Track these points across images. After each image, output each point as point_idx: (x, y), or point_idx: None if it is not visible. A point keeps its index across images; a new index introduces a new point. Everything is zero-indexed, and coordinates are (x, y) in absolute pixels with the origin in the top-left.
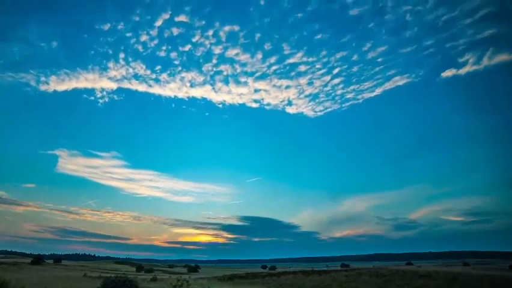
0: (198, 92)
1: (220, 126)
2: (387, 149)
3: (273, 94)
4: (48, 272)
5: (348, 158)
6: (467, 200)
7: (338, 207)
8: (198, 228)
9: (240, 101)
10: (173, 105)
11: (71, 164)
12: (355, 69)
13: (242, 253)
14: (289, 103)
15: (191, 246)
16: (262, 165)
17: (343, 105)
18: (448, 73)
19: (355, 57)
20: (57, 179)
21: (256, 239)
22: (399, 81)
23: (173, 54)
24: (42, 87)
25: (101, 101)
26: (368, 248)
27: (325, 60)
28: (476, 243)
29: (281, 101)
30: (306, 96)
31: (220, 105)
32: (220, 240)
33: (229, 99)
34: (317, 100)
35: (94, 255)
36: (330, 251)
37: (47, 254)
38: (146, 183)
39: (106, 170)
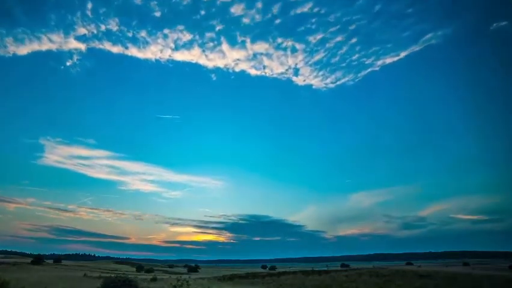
0: (184, 56)
1: (215, 109)
2: (400, 137)
3: (277, 60)
4: (49, 272)
5: (356, 148)
6: (480, 197)
7: (344, 204)
8: (196, 226)
9: (237, 69)
10: (155, 76)
11: (57, 155)
12: (377, 24)
13: (243, 253)
14: (296, 72)
15: (190, 246)
16: (264, 158)
17: (358, 74)
18: (499, 24)
19: (378, 7)
20: (46, 173)
21: (257, 238)
22: (432, 39)
23: (152, 4)
24: (0, 51)
25: (73, 70)
26: (375, 247)
27: (339, 14)
28: (488, 243)
29: (286, 69)
30: (316, 62)
31: (213, 75)
32: (220, 239)
33: (223, 65)
34: (328, 68)
35: (94, 255)
36: (335, 250)
37: (46, 254)
38: (140, 177)
39: (96, 161)
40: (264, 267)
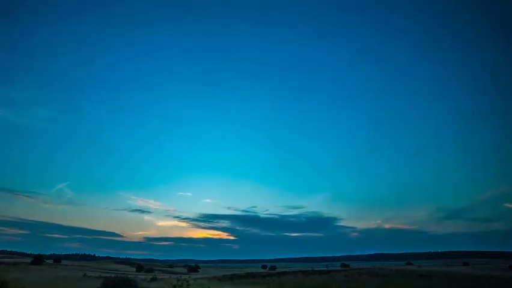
0: None
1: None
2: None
3: None
4: (49, 272)
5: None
6: None
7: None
8: (195, 222)
9: None
10: None
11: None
12: None
13: (246, 252)
14: None
15: (189, 244)
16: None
17: None
18: None
19: None
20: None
21: (263, 234)
22: None
23: None
24: None
25: None
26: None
27: None
28: None
29: None
30: None
31: None
32: (221, 236)
33: None
34: None
35: (94, 255)
36: (349, 249)
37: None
38: None
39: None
40: (264, 267)
